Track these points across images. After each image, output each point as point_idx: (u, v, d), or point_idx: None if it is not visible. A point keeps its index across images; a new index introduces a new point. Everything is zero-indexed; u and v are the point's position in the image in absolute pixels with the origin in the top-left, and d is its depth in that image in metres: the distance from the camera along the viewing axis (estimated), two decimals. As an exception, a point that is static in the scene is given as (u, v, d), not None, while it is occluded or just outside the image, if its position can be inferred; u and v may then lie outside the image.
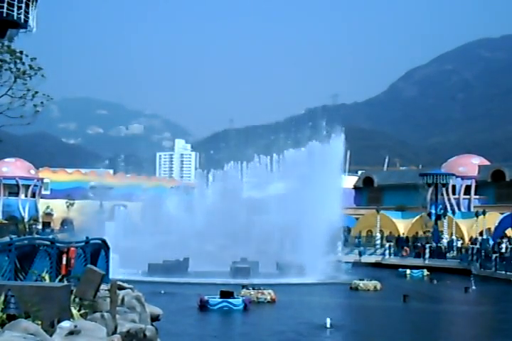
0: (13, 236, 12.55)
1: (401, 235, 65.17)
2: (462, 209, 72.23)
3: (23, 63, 18.65)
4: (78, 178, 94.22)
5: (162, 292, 31.09)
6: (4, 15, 16.73)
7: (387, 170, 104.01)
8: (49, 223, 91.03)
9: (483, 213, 59.39)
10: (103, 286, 11.15)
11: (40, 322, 8.40)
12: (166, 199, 58.56)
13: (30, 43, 18.94)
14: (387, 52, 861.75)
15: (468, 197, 75.33)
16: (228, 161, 59.22)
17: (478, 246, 51.90)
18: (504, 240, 51.68)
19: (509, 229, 56.40)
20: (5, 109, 18.62)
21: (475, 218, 59.94)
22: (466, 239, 60.23)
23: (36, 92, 18.75)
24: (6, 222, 78.82)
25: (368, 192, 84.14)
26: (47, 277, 11.46)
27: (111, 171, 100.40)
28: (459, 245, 57.38)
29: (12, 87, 18.75)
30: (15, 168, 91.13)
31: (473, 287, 36.18)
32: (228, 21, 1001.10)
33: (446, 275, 45.13)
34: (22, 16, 17.18)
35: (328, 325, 21.75)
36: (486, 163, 79.80)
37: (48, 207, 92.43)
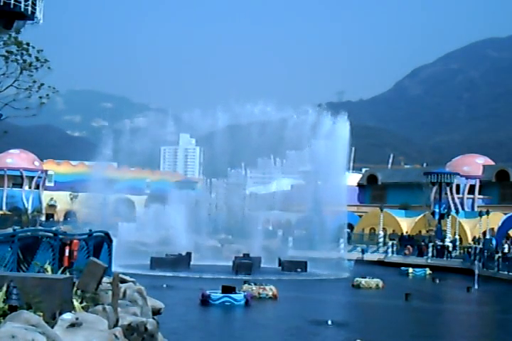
0: (16, 228, 12.50)
1: (404, 233, 65.06)
2: (466, 209, 72.11)
3: (30, 55, 18.64)
4: (82, 171, 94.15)
5: (164, 286, 31.16)
6: (11, 6, 16.71)
7: (391, 168, 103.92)
8: (52, 215, 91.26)
9: (487, 213, 59.27)
10: (105, 279, 11.14)
11: (41, 314, 8.39)
12: (170, 193, 58.61)
13: (37, 35, 18.93)
14: (393, 50, 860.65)
15: (472, 196, 75.25)
16: (232, 156, 59.10)
17: (481, 245, 51.78)
18: (508, 241, 51.57)
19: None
20: (11, 100, 18.62)
21: (478, 218, 59.83)
22: (469, 239, 60.10)
23: (42, 84, 18.75)
24: (10, 213, 79.13)
25: (371, 190, 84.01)
26: (49, 269, 11.45)
27: (115, 164, 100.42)
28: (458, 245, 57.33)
29: (18, 79, 18.75)
30: (19, 159, 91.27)
31: (476, 287, 36.13)
32: (236, 17, 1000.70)
33: (448, 275, 45.07)
34: (29, 8, 17.16)
35: (329, 322, 21.80)
36: (491, 162, 79.70)
37: (51, 199, 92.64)
